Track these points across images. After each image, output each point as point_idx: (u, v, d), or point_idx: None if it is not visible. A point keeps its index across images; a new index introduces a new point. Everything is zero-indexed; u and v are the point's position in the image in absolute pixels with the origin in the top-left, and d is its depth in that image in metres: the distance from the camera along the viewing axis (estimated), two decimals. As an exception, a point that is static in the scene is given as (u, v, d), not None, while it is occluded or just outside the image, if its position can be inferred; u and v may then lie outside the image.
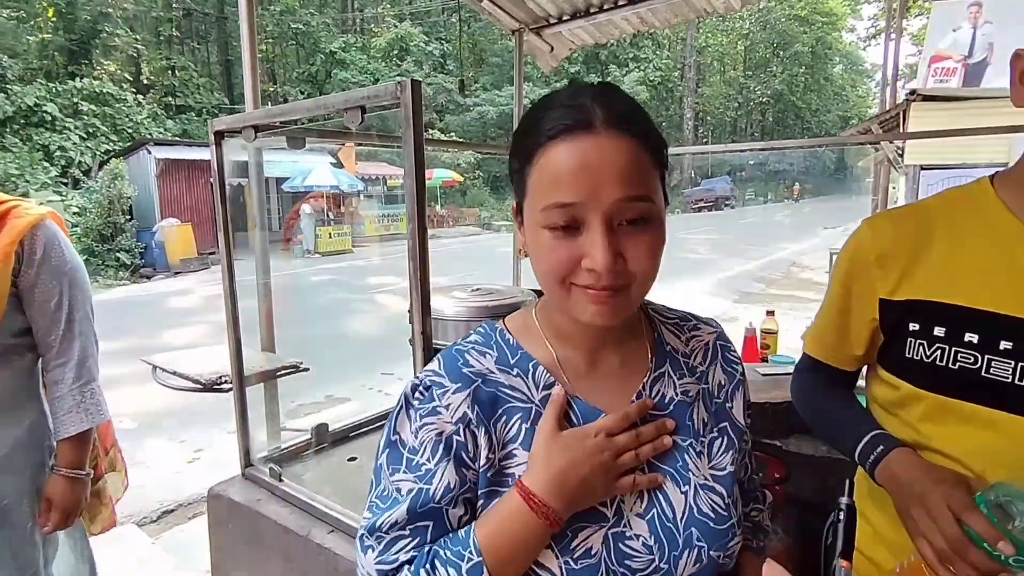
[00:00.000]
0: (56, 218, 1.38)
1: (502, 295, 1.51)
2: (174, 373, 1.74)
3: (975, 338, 0.77)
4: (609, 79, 27.66)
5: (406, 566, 0.62)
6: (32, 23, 17.92)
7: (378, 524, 0.63)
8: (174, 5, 22.32)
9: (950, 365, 0.79)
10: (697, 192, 28.05)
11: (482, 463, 0.63)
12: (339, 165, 15.71)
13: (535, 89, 26.18)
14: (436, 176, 21.05)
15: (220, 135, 1.49)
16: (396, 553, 0.62)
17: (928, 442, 0.83)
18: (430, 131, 24.58)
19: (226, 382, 1.66)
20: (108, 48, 19.93)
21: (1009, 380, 0.75)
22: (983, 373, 0.76)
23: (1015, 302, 0.75)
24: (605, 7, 2.92)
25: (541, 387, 0.67)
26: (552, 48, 3.27)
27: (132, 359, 3.33)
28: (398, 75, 23.77)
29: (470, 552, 0.59)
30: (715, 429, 0.71)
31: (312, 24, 24.16)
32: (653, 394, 0.69)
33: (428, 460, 0.63)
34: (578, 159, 0.57)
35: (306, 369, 1.86)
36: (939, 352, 0.80)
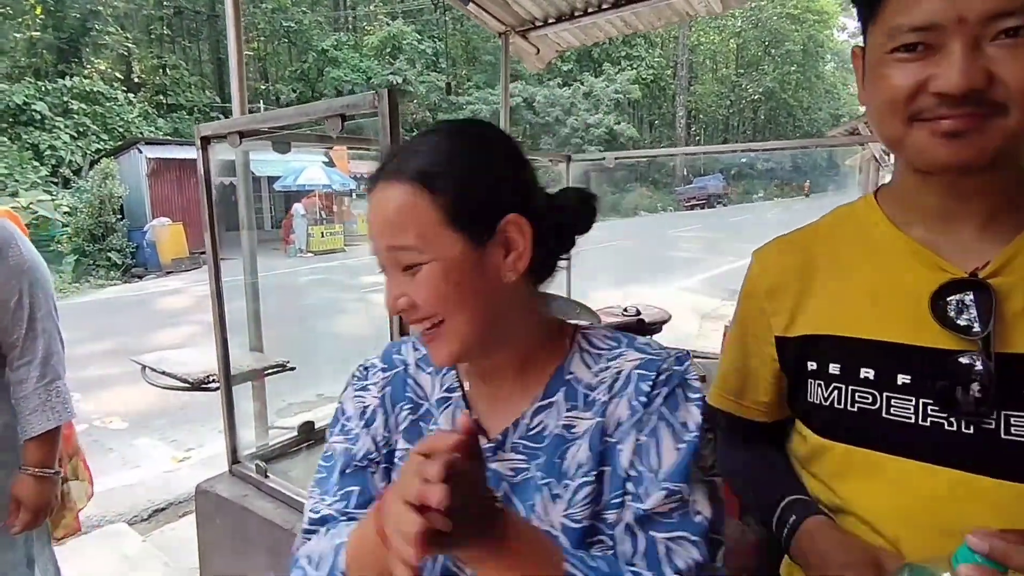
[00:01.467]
0: (12, 217, 1.37)
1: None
2: (163, 372, 1.78)
3: (871, 373, 0.67)
4: (602, 77, 27.91)
5: (327, 521, 0.69)
6: (20, 20, 17.78)
7: (317, 480, 0.73)
8: (165, 3, 22.18)
9: (848, 407, 0.68)
10: (690, 190, 28.18)
11: (382, 442, 0.71)
12: (331, 164, 15.68)
13: (528, 88, 26.27)
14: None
15: (206, 140, 1.53)
16: (322, 505, 0.70)
17: (843, 503, 0.71)
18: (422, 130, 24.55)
19: (214, 381, 1.70)
20: (98, 46, 19.80)
21: (912, 421, 0.64)
22: (883, 414, 0.66)
23: (907, 328, 0.65)
24: (589, 10, 2.97)
25: (442, 388, 0.71)
26: (538, 50, 3.31)
27: (123, 359, 3.35)
28: (391, 73, 23.74)
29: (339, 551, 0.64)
30: (590, 473, 0.62)
31: (304, 22, 24.08)
32: (533, 424, 0.65)
33: (356, 426, 0.72)
34: None
35: (292, 368, 1.90)
36: (836, 393, 0.69)
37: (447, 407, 0.70)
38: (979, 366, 0.60)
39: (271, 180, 15.89)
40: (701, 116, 37.95)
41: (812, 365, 0.72)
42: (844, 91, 42.43)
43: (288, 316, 7.48)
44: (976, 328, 0.60)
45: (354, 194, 17.22)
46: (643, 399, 0.62)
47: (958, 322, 0.62)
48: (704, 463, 0.61)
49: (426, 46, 25.72)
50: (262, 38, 24.21)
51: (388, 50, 24.78)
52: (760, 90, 36.45)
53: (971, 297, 0.61)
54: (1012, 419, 0.60)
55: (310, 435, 1.84)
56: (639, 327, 2.21)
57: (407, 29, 24.08)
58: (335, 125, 1.15)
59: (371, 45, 25.24)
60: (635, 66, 29.74)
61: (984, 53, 0.54)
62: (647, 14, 2.99)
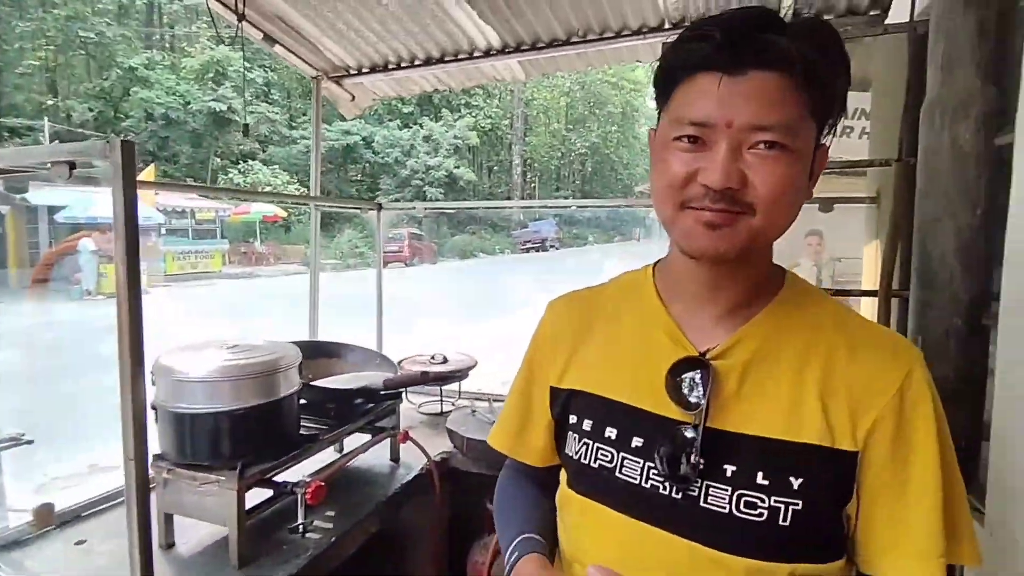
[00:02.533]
0: None
1: (260, 352, 1.46)
2: None
3: (614, 433, 0.72)
4: (441, 122, 28.66)
5: None
6: None
7: None
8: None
9: (592, 463, 0.73)
10: (525, 234, 29.76)
11: None
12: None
13: (367, 126, 26.02)
14: (255, 211, 19.67)
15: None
16: None
17: (577, 552, 0.77)
18: (250, 162, 22.97)
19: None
20: None
21: (637, 482, 0.69)
22: (616, 473, 0.71)
23: (649, 395, 0.71)
24: (402, 65, 3.06)
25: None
26: (353, 97, 3.32)
27: None
28: (213, 100, 21.96)
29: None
30: None
31: (108, 35, 21.43)
32: None
33: None
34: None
35: (29, 441, 1.61)
36: (585, 448, 0.74)
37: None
38: (692, 437, 0.66)
39: (52, 210, 13.60)
40: (536, 165, 40.61)
41: (573, 418, 0.77)
42: (654, 151, 48.49)
43: (60, 370, 6.36)
44: (700, 403, 0.66)
45: (163, 230, 15.42)
46: None
47: (689, 397, 0.67)
48: None
49: (256, 75, 24.35)
50: (52, 47, 21.03)
51: (210, 75, 22.97)
52: (587, 145, 40.16)
53: (700, 375, 0.67)
54: (711, 489, 0.65)
55: (48, 520, 1.55)
56: (444, 377, 2.25)
57: (234, 55, 22.57)
58: (62, 172, 1.03)
59: (191, 68, 23.22)
60: (474, 114, 31.05)
61: (743, 158, 0.60)
62: (457, 74, 3.16)
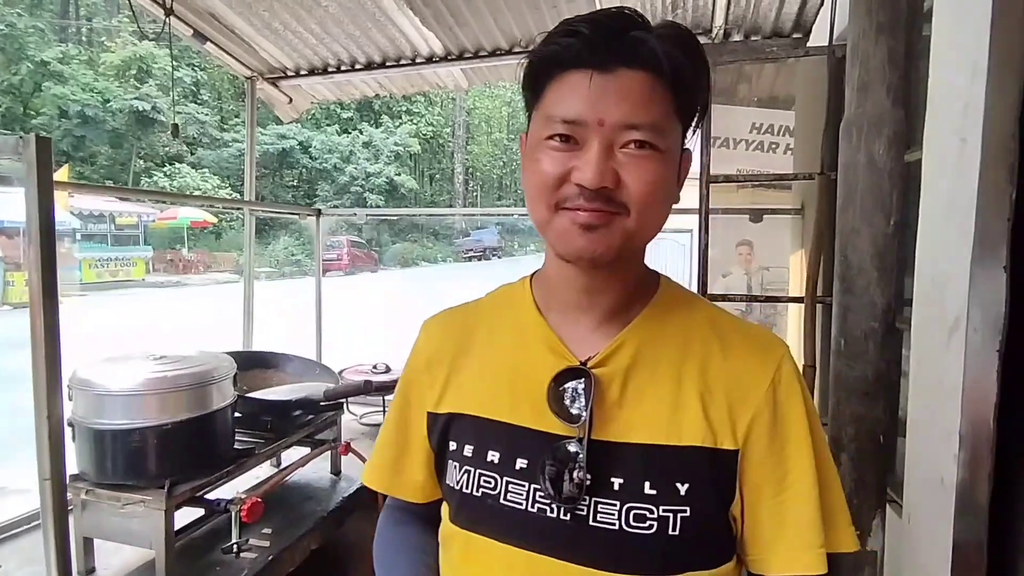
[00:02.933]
0: None
1: (190, 363, 1.39)
2: None
3: (496, 457, 0.67)
4: (382, 128, 28.26)
5: None
6: None
7: None
8: None
9: (474, 492, 0.68)
10: (468, 242, 29.72)
11: None
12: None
13: (304, 131, 25.31)
14: (182, 216, 18.71)
15: None
16: None
17: None
18: (177, 164, 21.83)
19: None
20: None
21: (523, 507, 0.65)
22: (501, 500, 0.66)
23: (532, 412, 0.66)
24: (343, 68, 3.00)
25: None
26: (291, 99, 3.22)
27: None
28: (135, 99, 20.75)
29: None
30: None
31: (18, 27, 19.87)
32: None
33: None
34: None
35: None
36: (466, 476, 0.69)
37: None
38: (576, 451, 0.62)
39: (-49, 212, 12.44)
40: (478, 173, 40.75)
41: (452, 445, 0.71)
42: (593, 162, 49.80)
43: (-38, 388, 5.78)
44: (583, 415, 0.63)
45: (78, 235, 14.40)
46: None
47: (571, 409, 0.64)
48: None
49: (184, 74, 23.19)
50: (-50, 36, 19.32)
51: (133, 72, 21.71)
52: (527, 155, 40.66)
53: (584, 385, 0.64)
54: (600, 506, 0.62)
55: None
56: (387, 386, 2.21)
57: (159, 52, 21.42)
58: (-34, 169, 0.94)
59: (111, 64, 21.86)
60: (415, 122, 30.81)
61: (615, 157, 0.59)
62: (399, 79, 3.14)
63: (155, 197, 15.35)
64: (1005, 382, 0.66)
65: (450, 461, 0.72)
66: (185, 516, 1.36)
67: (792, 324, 2.80)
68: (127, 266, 16.25)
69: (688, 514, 0.61)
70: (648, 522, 0.61)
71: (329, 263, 19.51)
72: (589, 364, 0.66)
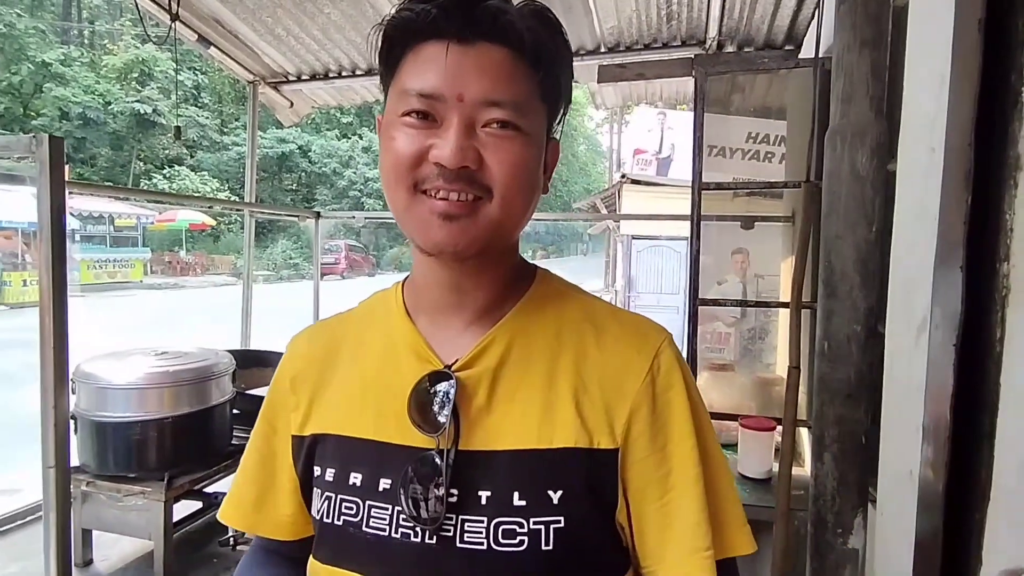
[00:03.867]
0: None
1: (191, 359, 1.42)
2: None
3: (359, 479, 0.60)
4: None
5: None
6: None
7: None
8: None
9: (336, 521, 0.60)
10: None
11: None
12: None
13: (304, 135, 25.38)
14: (180, 218, 18.74)
15: None
16: None
17: None
18: (176, 167, 21.87)
19: None
20: None
21: (386, 533, 0.58)
22: (364, 527, 0.59)
23: (394, 424, 0.60)
24: (343, 74, 3.05)
25: None
26: (292, 104, 3.27)
27: None
28: (136, 101, 20.82)
29: None
30: None
31: (18, 27, 19.94)
32: None
33: None
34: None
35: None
36: (327, 504, 0.61)
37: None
38: (439, 464, 0.57)
39: (-53, 212, 12.48)
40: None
41: (316, 470, 0.64)
42: (593, 170, 49.97)
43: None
44: (446, 424, 0.57)
45: (77, 236, 14.41)
46: None
47: (438, 418, 0.58)
48: None
49: (185, 77, 23.29)
50: (-49, 37, 19.38)
51: (135, 75, 21.79)
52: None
53: (453, 391, 0.58)
54: (467, 524, 0.56)
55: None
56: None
57: (160, 55, 21.50)
58: (-21, 167, 0.98)
59: (112, 66, 21.94)
60: (414, 127, 30.93)
61: (477, 137, 0.55)
62: (400, 86, 3.19)
63: (160, 198, 15.42)
64: (963, 377, 0.70)
65: (314, 489, 0.64)
66: (183, 509, 1.39)
67: (783, 329, 2.84)
68: (125, 267, 16.26)
69: (562, 525, 0.55)
70: (518, 538, 0.55)
71: (326, 267, 19.53)
72: (455, 367, 0.60)
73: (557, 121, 0.63)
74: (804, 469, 2.02)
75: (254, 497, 0.68)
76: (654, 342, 0.62)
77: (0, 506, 1.65)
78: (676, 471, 0.58)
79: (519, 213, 0.59)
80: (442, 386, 0.59)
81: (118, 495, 1.25)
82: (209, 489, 1.39)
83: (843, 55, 1.34)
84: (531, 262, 0.68)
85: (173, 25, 2.38)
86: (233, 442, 1.52)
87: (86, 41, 24.63)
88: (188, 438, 1.36)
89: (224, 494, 1.42)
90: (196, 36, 2.66)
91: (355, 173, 26.26)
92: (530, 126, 0.57)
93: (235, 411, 1.55)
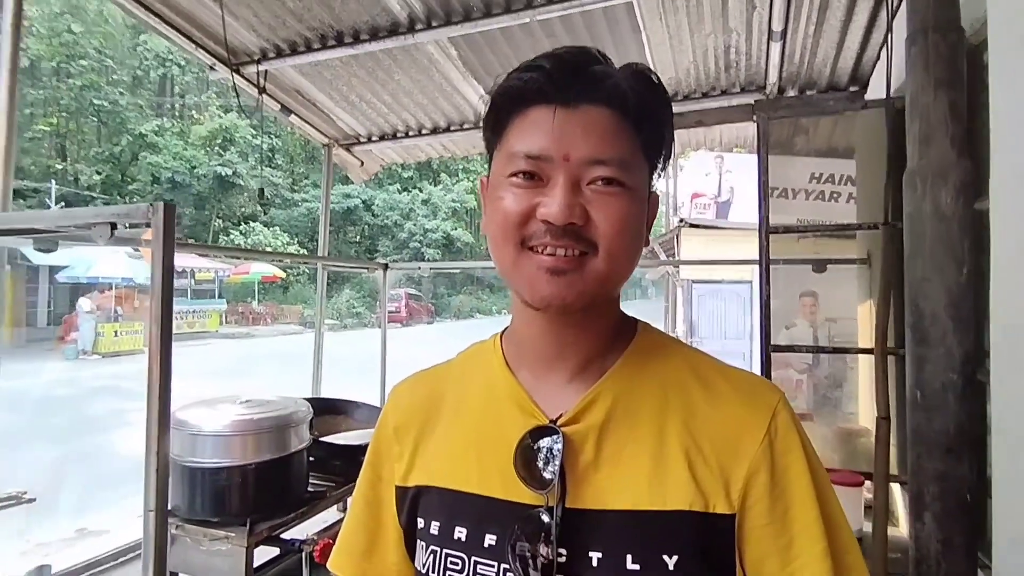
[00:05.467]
0: None
1: (273, 407, 1.49)
2: None
3: (464, 534, 0.60)
4: (440, 186, 29.43)
5: None
6: None
7: None
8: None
9: (441, 575, 0.60)
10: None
11: None
12: (137, 255, 14.07)
13: (367, 190, 26.68)
14: (254, 271, 19.86)
15: (-58, 234, 1.33)
16: None
17: None
18: (251, 223, 23.37)
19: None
20: None
21: None
22: None
23: (498, 479, 0.60)
24: (410, 134, 3.23)
25: None
26: (362, 163, 3.47)
27: None
28: (219, 165, 22.62)
29: None
30: None
31: (120, 103, 22.32)
32: None
33: None
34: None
35: (31, 500, 1.60)
36: (432, 558, 0.61)
37: None
38: (548, 522, 0.56)
39: (53, 270, 13.72)
40: (531, 228, 41.53)
41: (420, 522, 0.64)
42: (647, 214, 49.87)
43: (50, 431, 6.23)
44: (554, 480, 0.57)
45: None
46: None
47: (544, 474, 0.57)
48: None
49: (261, 141, 25.20)
50: (64, 114, 21.82)
51: (218, 141, 23.76)
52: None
53: (559, 446, 0.58)
54: None
55: (45, 583, 1.52)
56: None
57: (241, 123, 23.44)
58: (103, 233, 1.09)
59: (199, 135, 24.04)
60: (472, 179, 31.94)
61: (583, 194, 0.56)
62: (463, 142, 3.33)
63: (245, 255, 16.47)
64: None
65: (418, 541, 0.64)
66: (261, 555, 1.42)
67: (863, 377, 2.68)
68: (203, 318, 17.27)
69: None
70: None
71: (389, 315, 20.08)
72: (560, 422, 0.60)
73: (657, 175, 0.64)
74: (899, 530, 1.87)
75: (364, 546, 0.69)
76: (769, 401, 0.59)
77: (91, 547, 1.73)
78: (799, 541, 0.56)
79: (624, 266, 0.59)
80: (545, 442, 0.59)
81: (204, 539, 1.29)
82: (286, 535, 1.43)
83: (918, 96, 1.31)
84: (631, 315, 0.68)
85: (260, 98, 2.61)
86: (309, 489, 1.55)
87: (176, 113, 27.15)
88: (268, 484, 1.41)
89: (300, 540, 1.45)
90: (279, 106, 2.89)
91: (415, 225, 27.24)
92: (633, 182, 0.58)
93: (310, 458, 1.59)
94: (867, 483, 1.72)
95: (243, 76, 2.60)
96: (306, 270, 23.48)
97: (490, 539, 0.58)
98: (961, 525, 1.18)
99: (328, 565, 0.71)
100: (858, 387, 2.93)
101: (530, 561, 0.55)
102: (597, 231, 0.56)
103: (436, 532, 0.62)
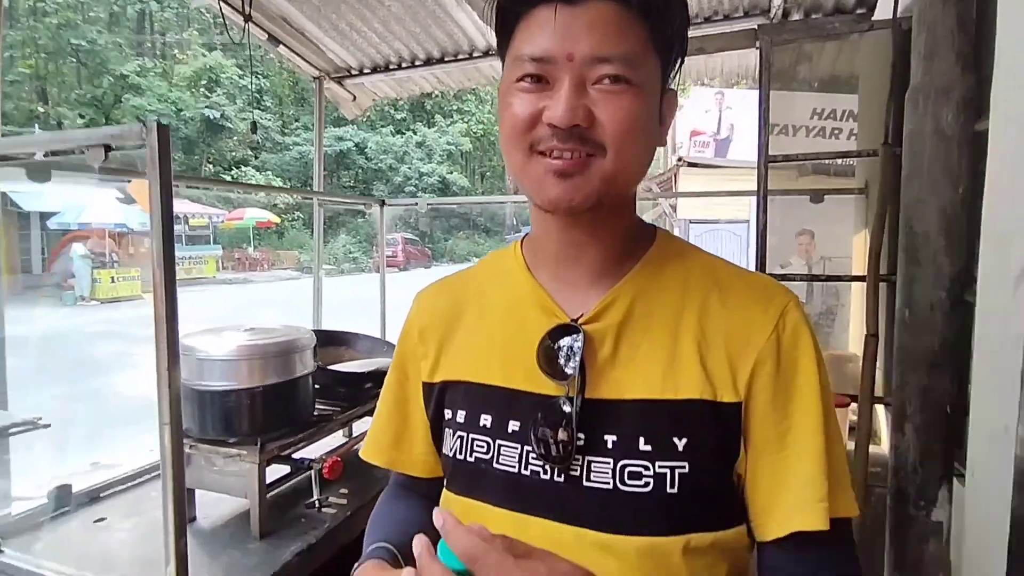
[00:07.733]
0: None
1: (277, 334, 1.52)
2: None
3: (489, 421, 0.65)
4: (435, 128, 28.76)
5: None
6: None
7: None
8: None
9: (468, 458, 0.66)
10: (517, 236, 29.77)
11: None
12: (129, 200, 13.89)
13: (360, 133, 26.08)
14: (248, 217, 19.67)
15: (-67, 163, 1.32)
16: None
17: None
18: (243, 168, 22.95)
19: (-69, 447, 1.41)
20: None
21: (515, 470, 0.63)
22: (494, 464, 0.64)
23: (524, 374, 0.64)
24: (403, 65, 3.12)
25: None
26: (355, 97, 3.38)
27: None
28: (206, 107, 21.98)
29: None
30: None
31: (99, 43, 21.41)
32: None
33: None
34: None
35: (46, 425, 1.66)
36: (459, 442, 0.67)
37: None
38: (569, 411, 0.60)
39: (44, 216, 13.57)
40: (527, 171, 40.92)
41: (447, 413, 0.70)
42: (645, 157, 49.10)
43: (54, 373, 6.34)
44: (575, 374, 0.61)
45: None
46: None
47: (565, 368, 0.61)
48: None
49: (249, 81, 24.38)
50: (43, 55, 20.97)
51: (203, 82, 22.99)
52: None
53: (580, 343, 0.61)
54: (593, 465, 0.59)
55: (65, 501, 1.60)
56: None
57: (226, 62, 22.61)
58: (97, 156, 1.08)
59: (183, 75, 23.23)
60: (466, 120, 31.18)
61: (588, 95, 0.56)
62: (457, 74, 3.23)
63: (245, 189, 16.18)
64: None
65: (446, 429, 0.70)
66: (272, 473, 1.48)
67: (855, 306, 2.73)
68: (200, 264, 17.25)
69: (687, 470, 0.58)
70: (644, 479, 0.58)
71: (386, 259, 20.07)
72: (580, 321, 0.63)
73: (674, 72, 0.63)
74: (880, 448, 1.95)
75: (392, 437, 0.76)
76: (780, 301, 0.62)
77: (105, 474, 1.79)
78: (796, 428, 0.59)
79: (633, 167, 0.60)
80: (566, 340, 0.63)
81: (217, 457, 1.34)
82: (296, 455, 1.49)
83: (925, 10, 1.28)
84: (648, 222, 0.70)
85: (246, 26, 2.51)
86: (315, 414, 1.61)
87: (158, 52, 26.12)
88: (276, 407, 1.45)
89: (309, 460, 1.52)
90: (266, 36, 2.79)
91: (410, 168, 26.80)
92: (642, 79, 0.57)
93: (315, 385, 1.64)
94: (852, 405, 1.79)
95: (227, 2, 2.49)
96: (301, 215, 23.25)
97: (514, 425, 0.64)
98: (940, 434, 1.24)
99: (361, 455, 0.79)
100: (849, 320, 3.00)
101: (552, 444, 0.60)
102: (604, 132, 0.56)
103: (463, 420, 0.68)
